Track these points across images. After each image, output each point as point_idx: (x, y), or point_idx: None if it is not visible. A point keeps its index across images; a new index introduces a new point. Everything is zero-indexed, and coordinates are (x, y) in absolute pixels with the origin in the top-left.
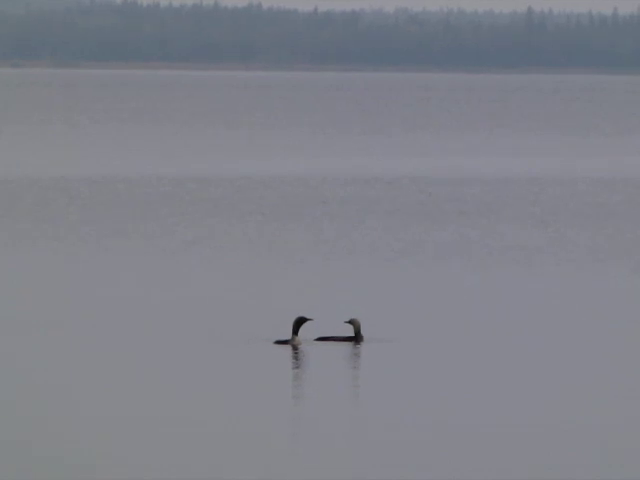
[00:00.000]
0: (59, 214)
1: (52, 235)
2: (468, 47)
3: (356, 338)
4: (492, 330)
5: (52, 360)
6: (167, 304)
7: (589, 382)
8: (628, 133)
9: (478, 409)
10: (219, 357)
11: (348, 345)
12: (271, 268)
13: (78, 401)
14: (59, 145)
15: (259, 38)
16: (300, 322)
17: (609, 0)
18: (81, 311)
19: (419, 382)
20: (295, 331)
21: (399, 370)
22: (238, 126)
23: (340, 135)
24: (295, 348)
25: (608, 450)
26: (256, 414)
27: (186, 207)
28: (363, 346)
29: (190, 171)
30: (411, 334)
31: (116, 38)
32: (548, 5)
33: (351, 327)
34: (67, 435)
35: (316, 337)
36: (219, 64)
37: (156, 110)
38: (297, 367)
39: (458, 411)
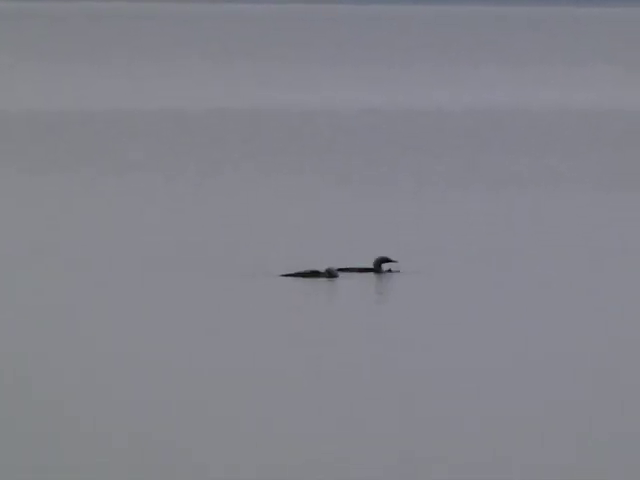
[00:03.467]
0: (51, 147)
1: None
2: None
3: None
4: (515, 262)
5: (74, 300)
6: (188, 238)
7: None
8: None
9: (500, 353)
10: (246, 290)
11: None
12: (288, 204)
13: (100, 349)
14: (40, 79)
15: None
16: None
17: None
18: (104, 248)
19: (443, 319)
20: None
21: (424, 303)
22: (230, 59)
23: (328, 68)
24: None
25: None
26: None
27: (192, 141)
28: (388, 278)
29: (188, 104)
30: (434, 265)
31: None
32: None
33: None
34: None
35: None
36: None
37: (142, 42)
38: (330, 299)
39: (480, 354)
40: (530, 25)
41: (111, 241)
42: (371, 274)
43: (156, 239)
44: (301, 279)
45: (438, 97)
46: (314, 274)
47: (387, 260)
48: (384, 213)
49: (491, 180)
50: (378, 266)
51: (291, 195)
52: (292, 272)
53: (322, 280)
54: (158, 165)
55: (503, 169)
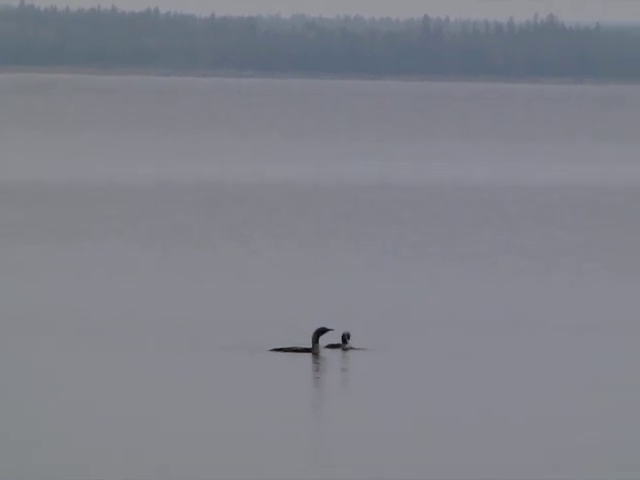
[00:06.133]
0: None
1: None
2: (365, 54)
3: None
4: (488, 334)
5: (60, 368)
6: (180, 311)
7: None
8: (525, 140)
9: (476, 417)
10: (234, 366)
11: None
12: (277, 276)
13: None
14: None
15: (157, 43)
16: (320, 332)
17: (505, 8)
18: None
19: (411, 390)
20: (315, 341)
21: (390, 377)
22: (149, 129)
23: (320, 142)
24: (316, 356)
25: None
26: (277, 423)
27: (185, 215)
28: (360, 354)
29: (180, 176)
30: (397, 341)
31: (13, 42)
32: (444, 13)
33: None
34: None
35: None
36: (117, 69)
37: (55, 114)
38: (318, 375)
39: (461, 417)
40: (443, 99)
41: (102, 315)
42: (338, 350)
43: (141, 314)
44: (288, 354)
45: (421, 170)
46: (302, 350)
47: (325, 330)
48: (362, 287)
49: (463, 254)
50: (316, 338)
51: (276, 267)
52: (280, 347)
53: (308, 355)
54: (144, 238)
55: (484, 243)
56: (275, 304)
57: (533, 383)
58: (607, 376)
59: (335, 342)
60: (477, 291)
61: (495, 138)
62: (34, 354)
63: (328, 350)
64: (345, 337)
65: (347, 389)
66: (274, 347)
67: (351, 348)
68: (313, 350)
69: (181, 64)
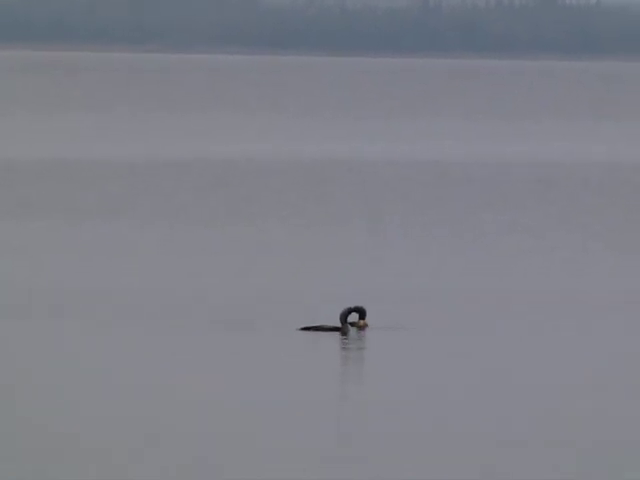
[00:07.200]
0: None
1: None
2: (365, 30)
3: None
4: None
5: (81, 348)
6: (191, 291)
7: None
8: (522, 119)
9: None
10: (262, 345)
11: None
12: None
13: (111, 395)
14: None
15: (156, 20)
16: (348, 313)
17: None
18: (118, 298)
19: (434, 373)
20: (344, 321)
21: (409, 358)
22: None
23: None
24: (345, 335)
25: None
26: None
27: (197, 192)
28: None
29: (176, 154)
30: (414, 320)
31: (14, 19)
32: None
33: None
34: (95, 428)
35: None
36: (118, 46)
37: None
38: (345, 356)
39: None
40: (444, 76)
41: (112, 296)
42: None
43: (153, 294)
44: (318, 333)
45: (426, 148)
46: (332, 329)
47: (351, 311)
48: (372, 266)
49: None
50: (344, 318)
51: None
52: (309, 325)
53: (337, 335)
54: (150, 217)
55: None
56: (287, 284)
57: (540, 366)
58: (611, 363)
59: (351, 320)
60: (484, 270)
61: (496, 116)
62: (36, 336)
63: (352, 328)
64: (361, 311)
65: (372, 371)
66: (303, 326)
67: (366, 325)
68: (343, 329)
69: (182, 41)
